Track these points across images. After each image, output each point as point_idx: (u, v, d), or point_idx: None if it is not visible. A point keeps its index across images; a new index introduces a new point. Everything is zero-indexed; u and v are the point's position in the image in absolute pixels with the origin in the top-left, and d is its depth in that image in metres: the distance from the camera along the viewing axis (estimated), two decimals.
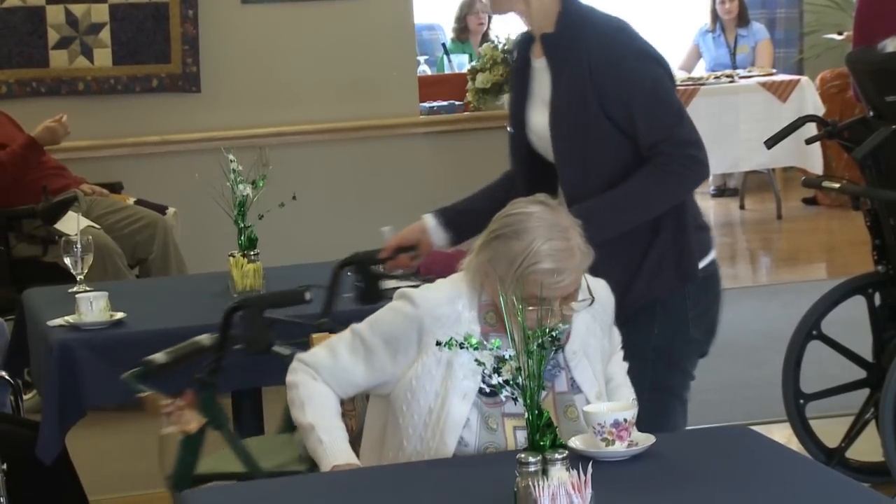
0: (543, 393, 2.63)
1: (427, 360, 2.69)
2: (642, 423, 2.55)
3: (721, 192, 9.89)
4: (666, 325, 3.21)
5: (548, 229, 2.62)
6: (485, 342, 2.42)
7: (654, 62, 3.19)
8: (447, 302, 2.71)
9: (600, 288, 2.80)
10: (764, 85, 8.80)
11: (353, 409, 2.97)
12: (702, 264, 3.22)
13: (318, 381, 2.76)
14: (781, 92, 8.75)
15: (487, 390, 2.67)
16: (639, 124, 3.14)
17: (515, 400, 2.60)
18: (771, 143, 4.68)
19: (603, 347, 2.80)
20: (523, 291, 2.55)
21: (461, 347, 2.38)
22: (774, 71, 9.22)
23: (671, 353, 3.22)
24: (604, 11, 3.26)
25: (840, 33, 8.72)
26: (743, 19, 9.56)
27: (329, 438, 2.71)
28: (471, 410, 2.66)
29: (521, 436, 2.66)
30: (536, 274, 2.59)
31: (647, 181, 3.14)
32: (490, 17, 9.69)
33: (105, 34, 6.45)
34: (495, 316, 2.70)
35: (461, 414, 2.65)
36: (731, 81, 8.91)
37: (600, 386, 2.76)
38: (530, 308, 2.51)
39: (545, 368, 2.64)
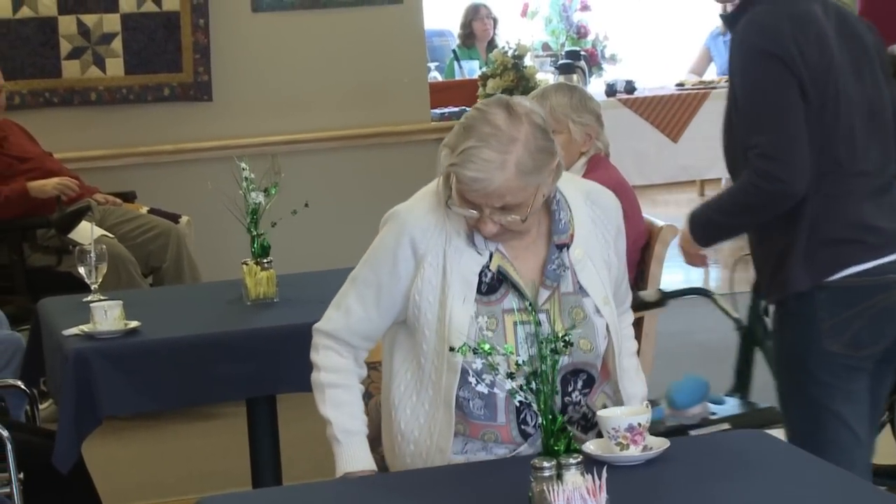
0: (547, 293, 2.70)
1: (425, 272, 2.69)
2: (796, 437, 2.60)
3: None
4: (796, 332, 3.13)
5: (489, 136, 2.57)
6: (498, 348, 2.42)
7: (769, 60, 3.03)
8: (431, 209, 2.71)
9: (603, 195, 2.81)
10: None
11: (367, 415, 2.98)
12: (841, 274, 3.07)
13: (342, 356, 2.75)
14: None
15: (484, 289, 2.67)
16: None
17: (522, 295, 2.65)
18: None
19: (608, 258, 2.78)
20: (456, 189, 2.58)
21: (474, 353, 2.38)
22: None
23: (805, 361, 3.13)
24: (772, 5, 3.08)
25: None
26: None
27: (346, 440, 2.71)
28: (474, 312, 2.65)
29: (523, 331, 2.66)
30: (460, 176, 2.59)
31: (733, 188, 3.13)
32: (495, 23, 9.71)
33: (117, 44, 6.47)
34: None
35: (463, 318, 2.64)
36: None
37: (608, 292, 2.75)
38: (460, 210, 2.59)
39: (549, 268, 2.67)
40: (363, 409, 2.78)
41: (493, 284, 2.69)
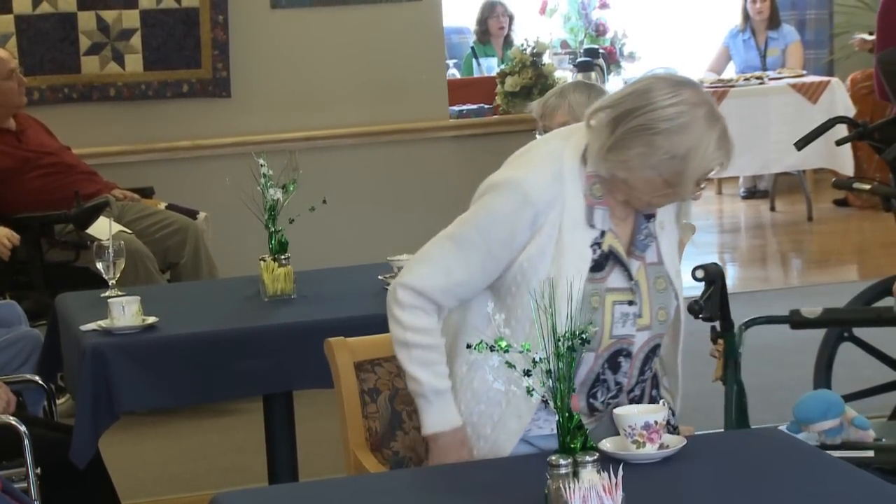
0: (637, 263, 2.72)
1: (540, 241, 2.66)
2: None
3: (751, 193, 9.85)
4: None
5: (711, 118, 2.61)
6: (514, 345, 2.39)
7: None
8: (553, 180, 2.68)
9: None
10: (794, 86, 8.77)
11: (377, 412, 2.98)
12: None
13: (429, 315, 2.71)
14: (812, 93, 8.72)
15: (592, 266, 2.67)
16: None
17: (627, 271, 2.67)
18: (801, 144, 4.66)
19: (675, 233, 2.81)
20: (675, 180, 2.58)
21: (491, 350, 2.37)
22: (804, 72, 9.19)
23: None
24: None
25: (871, 33, 8.68)
26: (774, 21, 9.52)
27: (436, 399, 2.70)
28: (583, 288, 2.65)
29: (619, 311, 2.68)
30: (727, 163, 2.62)
31: None
32: (511, 21, 9.70)
33: (136, 40, 6.48)
34: (601, 188, 2.69)
35: (574, 292, 2.62)
36: (760, 83, 8.88)
37: (678, 266, 2.79)
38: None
39: (638, 238, 2.69)
40: (447, 367, 2.74)
41: (600, 262, 2.69)
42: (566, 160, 2.68)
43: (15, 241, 5.44)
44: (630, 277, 2.71)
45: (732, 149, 2.64)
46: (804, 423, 3.38)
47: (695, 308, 3.44)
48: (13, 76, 5.65)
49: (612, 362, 2.72)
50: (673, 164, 2.59)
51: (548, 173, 2.67)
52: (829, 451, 3.25)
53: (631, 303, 2.70)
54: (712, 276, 3.50)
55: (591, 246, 2.68)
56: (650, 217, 2.74)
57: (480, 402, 2.73)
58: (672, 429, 2.81)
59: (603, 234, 2.69)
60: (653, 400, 2.80)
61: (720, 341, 3.67)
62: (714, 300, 3.49)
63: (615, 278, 2.69)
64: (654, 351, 2.78)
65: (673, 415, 2.82)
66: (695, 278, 3.50)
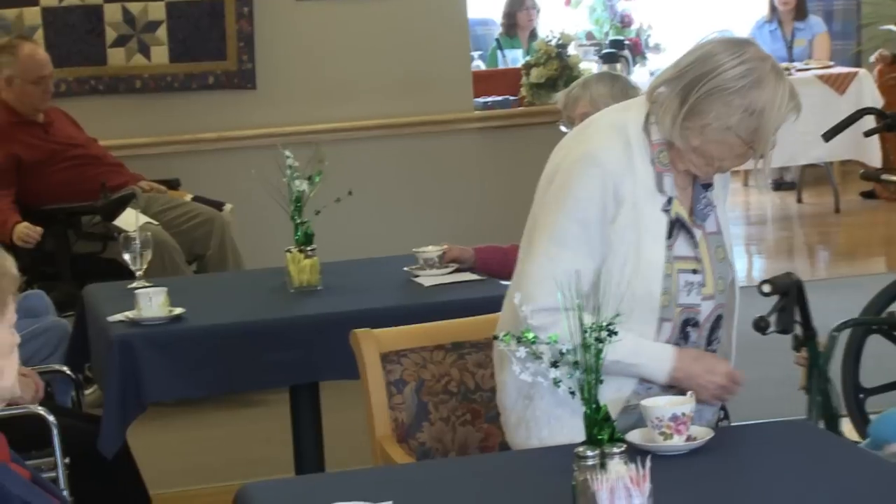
0: (699, 233, 2.73)
1: (625, 213, 2.67)
2: None
3: (778, 185, 9.82)
4: None
5: (777, 71, 2.67)
6: (542, 337, 2.37)
7: None
8: (623, 149, 2.69)
9: None
10: (821, 77, 8.73)
11: (403, 403, 2.98)
12: None
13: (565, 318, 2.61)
14: (839, 84, 8.68)
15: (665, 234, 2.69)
16: None
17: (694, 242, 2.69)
18: (828, 136, 4.64)
19: (724, 207, 2.82)
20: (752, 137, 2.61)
21: (518, 342, 2.36)
22: (832, 63, 9.14)
23: None
24: None
25: None
26: (801, 12, 9.48)
27: (640, 356, 2.66)
28: (664, 256, 2.67)
29: (683, 279, 2.70)
30: (783, 121, 2.66)
31: None
32: (538, 13, 9.70)
33: (162, 32, 6.50)
34: (668, 155, 2.70)
35: (659, 261, 2.66)
36: (787, 74, 8.83)
37: (731, 241, 2.80)
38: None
39: (698, 207, 2.72)
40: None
41: (669, 229, 2.71)
42: (630, 130, 2.70)
43: (35, 235, 5.46)
44: (695, 245, 2.73)
45: (800, 100, 2.68)
46: (881, 443, 3.31)
47: (761, 325, 3.36)
48: (42, 83, 5.66)
49: (682, 332, 2.74)
50: (751, 121, 2.63)
51: (617, 142, 2.69)
52: None
53: (695, 271, 2.72)
54: (784, 289, 3.43)
55: (662, 211, 2.70)
56: (707, 186, 2.76)
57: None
58: (723, 413, 2.82)
59: (670, 200, 2.71)
60: None
61: (803, 349, 3.60)
62: (789, 311, 3.42)
63: (681, 246, 2.71)
64: (717, 322, 2.79)
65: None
66: (762, 293, 3.42)
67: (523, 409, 2.76)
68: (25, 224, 5.48)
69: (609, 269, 2.67)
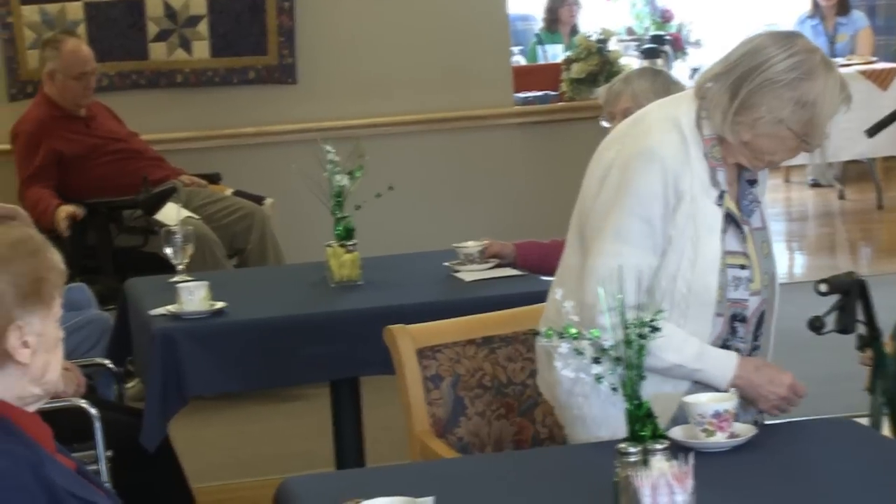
0: (746, 229, 2.74)
1: (684, 207, 2.67)
2: None
3: (820, 182, 9.76)
4: None
5: (826, 63, 2.66)
6: (584, 332, 2.36)
7: None
8: (680, 143, 2.69)
9: None
10: (864, 73, 8.67)
11: (441, 398, 2.98)
12: None
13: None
14: (882, 80, 8.61)
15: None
16: None
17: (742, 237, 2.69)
18: (872, 132, 4.60)
19: (766, 203, 2.83)
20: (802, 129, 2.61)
21: (560, 337, 2.35)
22: (874, 59, 9.07)
23: None
24: None
25: None
26: (843, 7, 9.41)
27: (703, 361, 2.66)
28: (720, 249, 2.68)
29: (731, 274, 2.70)
30: (835, 112, 2.66)
31: None
32: (580, 9, 9.69)
33: (203, 27, 6.52)
34: (721, 150, 2.70)
35: (716, 255, 2.66)
36: None
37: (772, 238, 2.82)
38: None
39: (744, 203, 2.73)
40: (681, 334, 2.69)
41: (722, 225, 2.72)
42: (684, 124, 2.70)
43: (79, 212, 5.49)
44: (744, 240, 2.73)
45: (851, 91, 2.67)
46: None
47: (816, 324, 3.33)
48: (83, 79, 5.70)
49: (731, 326, 2.74)
50: (803, 114, 2.63)
51: (675, 136, 2.69)
52: None
53: (743, 266, 2.73)
54: (844, 287, 3.39)
55: (716, 205, 2.71)
56: (752, 182, 2.76)
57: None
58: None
59: (722, 195, 2.71)
60: None
61: (868, 350, 3.57)
62: (850, 311, 3.39)
63: (730, 241, 2.72)
64: (762, 317, 2.79)
65: None
66: (818, 292, 3.38)
67: (580, 407, 2.76)
68: (71, 206, 5.51)
69: (667, 263, 2.67)
